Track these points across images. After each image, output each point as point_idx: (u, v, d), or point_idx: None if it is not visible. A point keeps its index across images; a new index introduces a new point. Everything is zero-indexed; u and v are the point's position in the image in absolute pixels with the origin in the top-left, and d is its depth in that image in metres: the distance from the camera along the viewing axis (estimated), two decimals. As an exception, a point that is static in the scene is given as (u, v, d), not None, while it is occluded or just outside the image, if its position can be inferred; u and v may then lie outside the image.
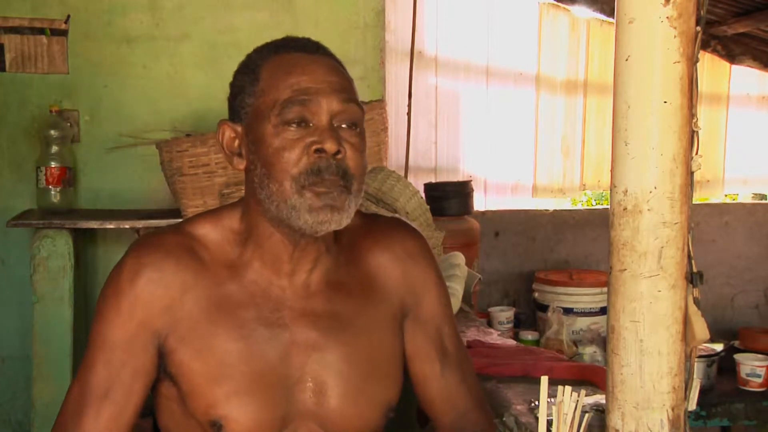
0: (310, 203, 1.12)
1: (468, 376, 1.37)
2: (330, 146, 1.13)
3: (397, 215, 1.39)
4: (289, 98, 1.14)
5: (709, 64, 4.45)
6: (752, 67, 4.50)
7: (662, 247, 1.16)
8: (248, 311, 1.19)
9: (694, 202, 1.21)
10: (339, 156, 1.14)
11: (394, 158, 3.73)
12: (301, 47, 1.21)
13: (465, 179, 3.72)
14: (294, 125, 1.14)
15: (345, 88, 1.19)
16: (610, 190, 1.22)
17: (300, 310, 1.21)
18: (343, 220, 1.15)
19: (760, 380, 2.99)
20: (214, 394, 1.16)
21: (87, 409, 1.16)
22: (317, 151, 1.13)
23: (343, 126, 1.17)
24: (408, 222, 1.38)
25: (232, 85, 1.23)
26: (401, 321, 1.30)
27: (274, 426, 1.17)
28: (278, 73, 1.17)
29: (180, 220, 3.01)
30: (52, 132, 3.07)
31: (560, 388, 1.29)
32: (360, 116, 1.19)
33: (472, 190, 3.52)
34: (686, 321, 1.20)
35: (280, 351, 1.18)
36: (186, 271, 1.18)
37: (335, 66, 1.21)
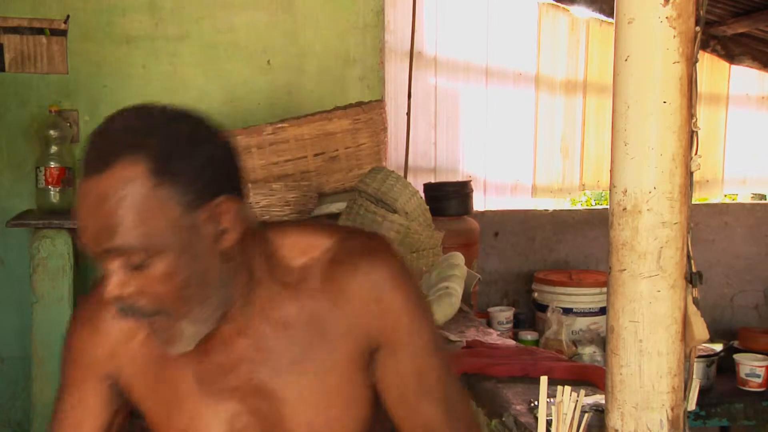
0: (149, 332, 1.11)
1: (455, 411, 1.21)
2: (111, 293, 1.03)
3: (378, 230, 1.27)
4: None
5: (709, 64, 4.45)
6: (752, 67, 4.50)
7: (661, 248, 1.16)
8: (196, 355, 1.15)
9: (693, 202, 1.22)
10: (126, 299, 1.03)
11: (394, 158, 3.73)
12: (84, 163, 1.03)
13: (464, 179, 3.72)
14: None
15: (108, 230, 0.99)
16: (610, 190, 1.22)
17: (244, 353, 1.15)
18: (186, 343, 1.08)
19: (759, 380, 2.99)
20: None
21: None
22: None
23: (130, 264, 1.02)
24: (385, 241, 1.22)
25: None
26: (369, 354, 1.17)
27: None
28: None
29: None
30: (52, 132, 3.07)
31: (560, 388, 1.29)
32: (141, 250, 1.00)
33: (472, 191, 3.52)
34: (685, 321, 1.20)
35: (223, 391, 1.16)
36: (124, 320, 1.14)
37: (102, 196, 0.99)
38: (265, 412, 1.15)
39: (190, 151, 1.02)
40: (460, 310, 2.39)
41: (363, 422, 1.18)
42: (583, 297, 3.59)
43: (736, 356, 3.09)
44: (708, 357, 3.05)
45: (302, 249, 1.16)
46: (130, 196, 0.98)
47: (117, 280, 1.02)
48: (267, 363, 1.14)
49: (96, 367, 1.22)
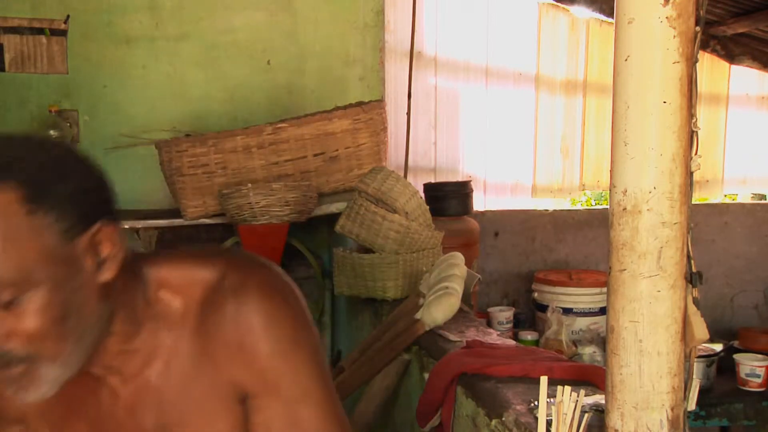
0: (3, 383, 0.99)
1: None
2: None
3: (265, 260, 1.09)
4: None
5: (709, 64, 4.45)
6: (751, 67, 4.51)
7: (661, 248, 1.16)
8: (90, 407, 1.12)
9: (693, 202, 1.22)
10: None
11: (394, 158, 3.73)
12: None
13: (464, 179, 3.72)
14: None
15: None
16: (610, 190, 1.22)
17: (130, 404, 1.11)
18: (44, 391, 0.98)
19: (759, 380, 2.99)
20: None
21: None
22: None
23: None
24: (267, 276, 1.11)
25: None
26: (240, 402, 1.09)
27: None
28: None
29: (180, 219, 3.03)
30: (52, 132, 3.07)
31: (560, 388, 1.29)
32: (12, 285, 0.92)
33: (472, 191, 3.52)
34: (685, 321, 1.20)
35: None
36: None
37: None
38: None
39: (62, 176, 0.96)
40: (460, 310, 2.39)
41: None
42: (583, 297, 3.59)
43: (736, 356, 3.09)
44: (708, 357, 3.05)
45: (180, 287, 1.08)
46: (3, 224, 0.90)
47: None
48: (150, 415, 1.10)
49: (6, 414, 1.16)
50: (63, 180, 0.96)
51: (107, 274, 1.00)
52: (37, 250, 0.92)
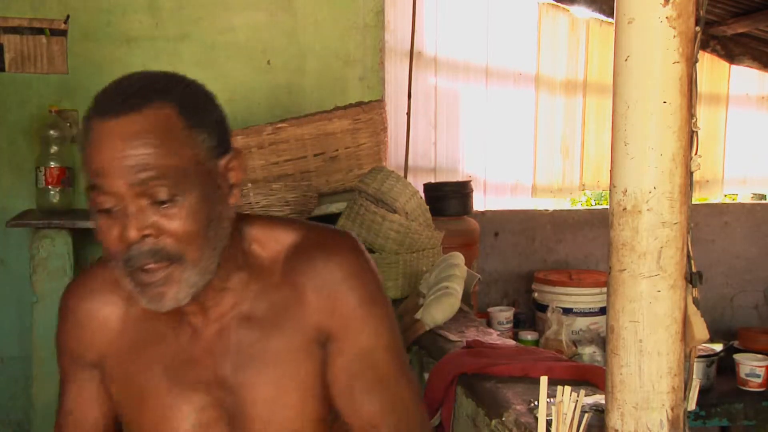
0: (137, 289, 1.08)
1: (401, 412, 1.22)
2: (131, 235, 1.04)
3: (346, 229, 1.19)
4: (90, 183, 1.06)
5: (709, 64, 4.45)
6: (751, 67, 4.50)
7: (661, 248, 1.16)
8: (167, 347, 1.21)
9: (693, 202, 1.22)
10: (147, 240, 1.05)
11: (394, 158, 3.73)
12: (105, 108, 1.07)
13: (464, 179, 3.72)
14: (103, 211, 1.06)
15: (141, 163, 1.03)
16: (610, 190, 1.22)
17: (211, 345, 1.19)
18: (181, 296, 1.09)
19: (759, 380, 3.00)
20: (138, 428, 1.23)
21: (58, 427, 1.29)
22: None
23: (155, 202, 1.04)
24: (349, 238, 1.24)
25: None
26: (321, 347, 1.20)
27: None
28: (85, 147, 1.07)
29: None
30: (52, 132, 3.07)
31: (560, 388, 1.29)
32: (171, 184, 1.04)
33: (472, 191, 3.52)
34: (685, 321, 1.20)
35: (190, 384, 1.20)
36: (109, 307, 1.23)
37: (136, 131, 1.04)
38: (229, 405, 1.19)
39: (209, 106, 1.12)
40: (460, 310, 2.39)
41: (324, 414, 1.21)
42: (583, 297, 3.59)
43: (736, 356, 3.09)
44: (708, 357, 3.05)
45: (269, 243, 1.21)
46: (166, 132, 1.04)
47: (138, 221, 1.04)
48: (230, 356, 1.19)
49: (82, 359, 1.26)
50: (209, 108, 1.12)
51: (233, 199, 1.14)
52: (191, 158, 1.06)
